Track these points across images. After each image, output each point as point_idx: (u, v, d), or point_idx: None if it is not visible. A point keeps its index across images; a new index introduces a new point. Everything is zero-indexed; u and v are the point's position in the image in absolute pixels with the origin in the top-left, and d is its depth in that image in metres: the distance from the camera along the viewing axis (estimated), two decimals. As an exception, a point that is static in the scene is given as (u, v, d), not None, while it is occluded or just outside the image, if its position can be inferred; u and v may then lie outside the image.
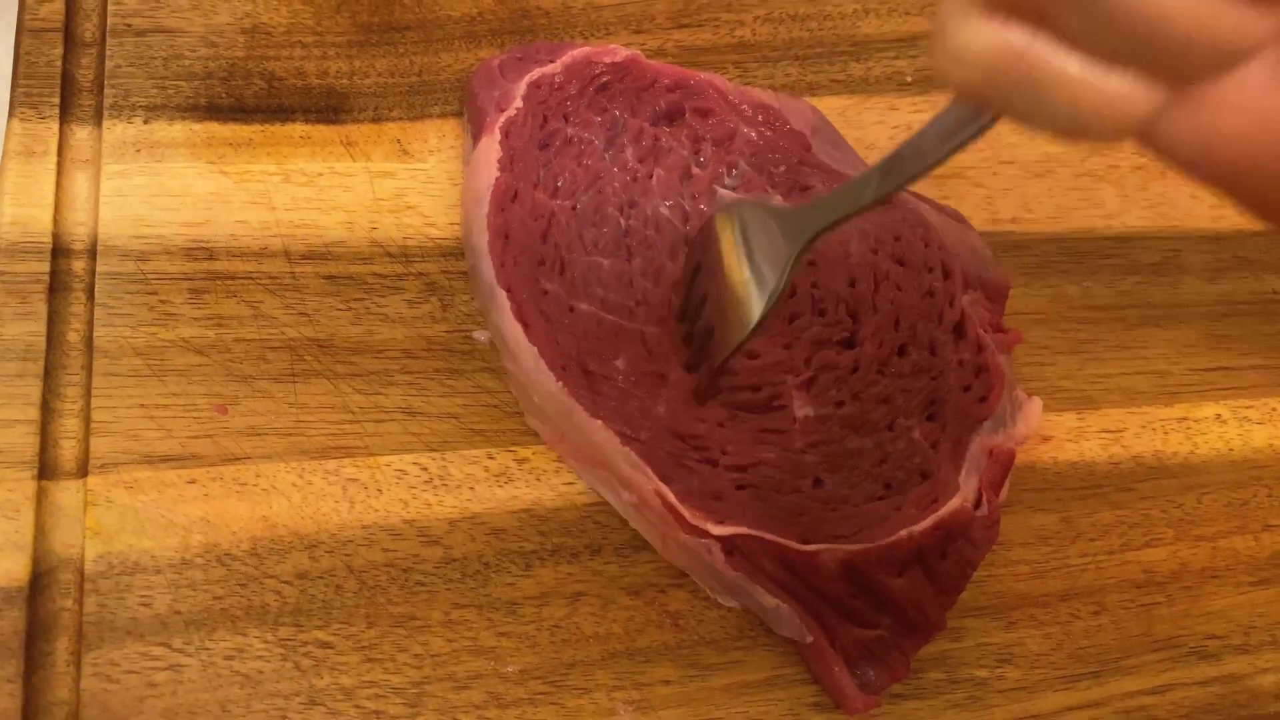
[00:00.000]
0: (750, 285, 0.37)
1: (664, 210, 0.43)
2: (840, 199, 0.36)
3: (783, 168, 0.45)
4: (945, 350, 0.42)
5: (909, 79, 0.51)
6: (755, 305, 0.37)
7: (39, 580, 0.37)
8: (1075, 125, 0.27)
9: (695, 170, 0.44)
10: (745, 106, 0.45)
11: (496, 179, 0.41)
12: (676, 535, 0.38)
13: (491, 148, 0.42)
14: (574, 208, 0.42)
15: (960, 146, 0.31)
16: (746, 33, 0.51)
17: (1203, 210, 0.51)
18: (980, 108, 0.29)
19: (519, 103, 0.43)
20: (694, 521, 0.37)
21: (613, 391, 0.40)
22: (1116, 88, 0.25)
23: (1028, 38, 0.25)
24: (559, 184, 0.43)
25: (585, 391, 0.39)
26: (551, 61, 0.45)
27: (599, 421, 0.38)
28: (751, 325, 0.37)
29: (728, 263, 0.38)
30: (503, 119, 0.43)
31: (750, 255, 0.38)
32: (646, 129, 0.44)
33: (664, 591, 0.40)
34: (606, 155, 0.43)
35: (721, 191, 0.44)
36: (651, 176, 0.43)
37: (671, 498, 0.37)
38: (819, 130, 0.46)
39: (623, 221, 0.42)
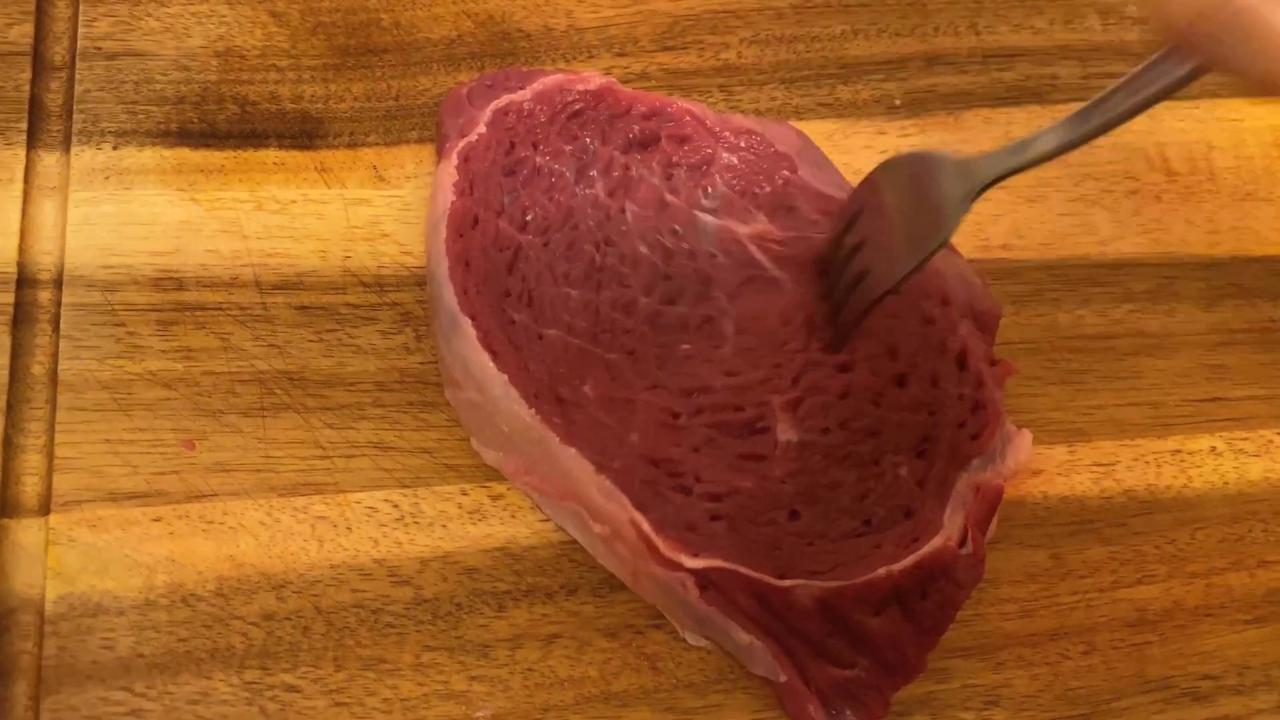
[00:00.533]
0: (915, 226, 0.38)
1: (643, 249, 0.42)
2: (1020, 148, 0.36)
3: (768, 189, 0.44)
4: (948, 383, 0.41)
5: (898, 102, 0.50)
6: (918, 244, 0.37)
7: (-2, 622, 0.36)
8: (1275, 75, 0.28)
9: (669, 198, 0.43)
10: (726, 133, 0.44)
11: (452, 204, 0.40)
12: (649, 569, 0.37)
13: (449, 173, 0.41)
14: (545, 244, 0.41)
15: (1151, 100, 0.33)
16: (732, 55, 0.50)
17: (1198, 236, 0.49)
18: (1178, 58, 0.31)
19: (482, 128, 0.42)
20: (668, 554, 0.36)
21: (585, 419, 0.39)
22: None
23: None
24: (528, 218, 0.42)
25: (558, 419, 0.38)
26: (522, 89, 0.44)
27: (573, 449, 0.37)
28: (916, 261, 0.37)
29: (893, 203, 0.39)
30: (462, 144, 0.42)
31: (919, 198, 0.38)
32: (617, 158, 0.43)
33: (641, 633, 0.39)
34: (577, 189, 0.42)
35: (702, 217, 0.43)
36: (625, 210, 0.42)
37: (646, 527, 0.36)
38: (804, 153, 0.45)
39: (598, 258, 0.42)
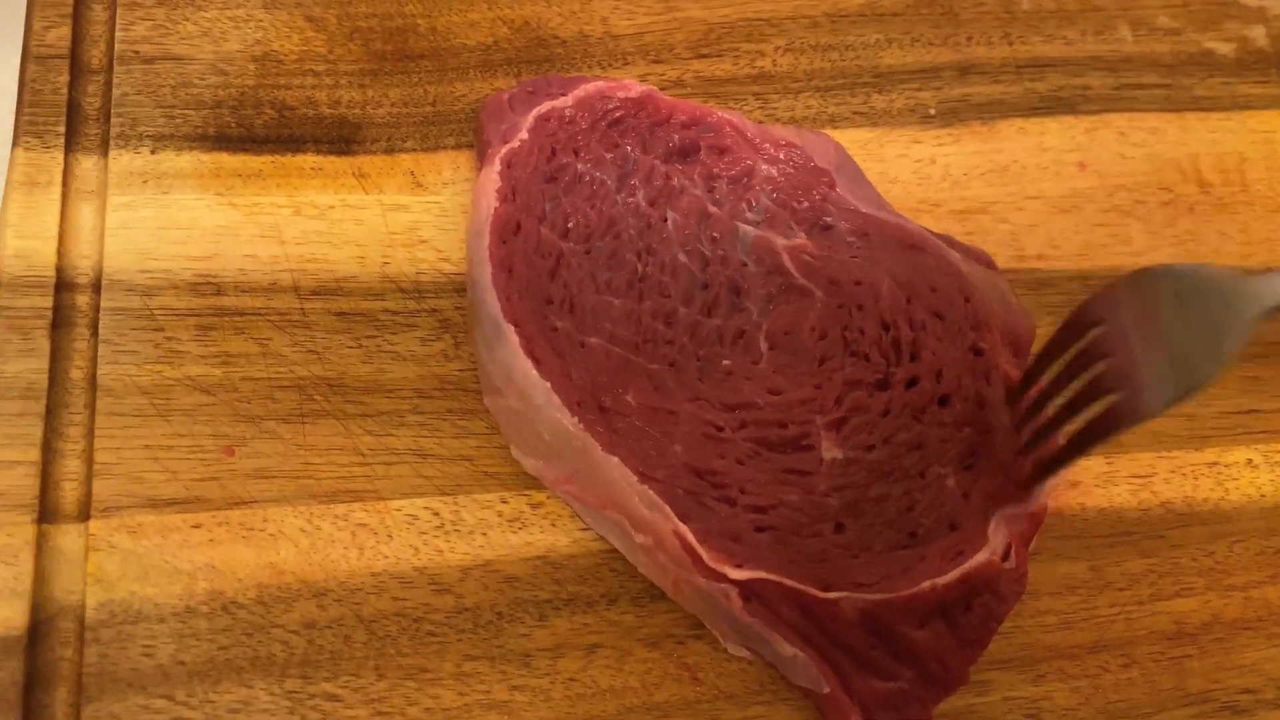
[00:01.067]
0: (1182, 351, 0.34)
1: (682, 258, 0.42)
2: None
3: (805, 204, 0.44)
4: (995, 408, 0.40)
5: (932, 111, 0.50)
6: (1186, 372, 0.33)
7: (38, 629, 0.35)
8: None
9: (712, 209, 0.43)
10: (766, 144, 0.44)
11: (495, 209, 0.40)
12: (693, 579, 0.37)
13: (491, 178, 0.41)
14: (587, 251, 0.41)
15: None
16: (767, 63, 0.50)
17: (1232, 247, 0.49)
18: None
19: (524, 134, 0.42)
20: (712, 564, 0.36)
21: (628, 429, 0.39)
22: None
23: None
24: (570, 225, 0.42)
25: (601, 428, 0.38)
26: (563, 95, 0.44)
27: (616, 458, 0.37)
28: (1183, 392, 0.33)
29: (1148, 323, 0.34)
30: (505, 150, 0.42)
31: (1187, 319, 0.34)
32: (658, 167, 0.43)
33: (682, 643, 0.38)
34: (619, 197, 0.42)
35: (743, 228, 0.43)
36: (666, 220, 0.42)
37: (690, 538, 0.36)
38: (842, 167, 0.45)
39: (640, 267, 0.42)
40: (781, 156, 0.44)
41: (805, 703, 0.38)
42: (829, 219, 0.44)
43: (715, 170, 0.44)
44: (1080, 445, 0.36)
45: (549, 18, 0.49)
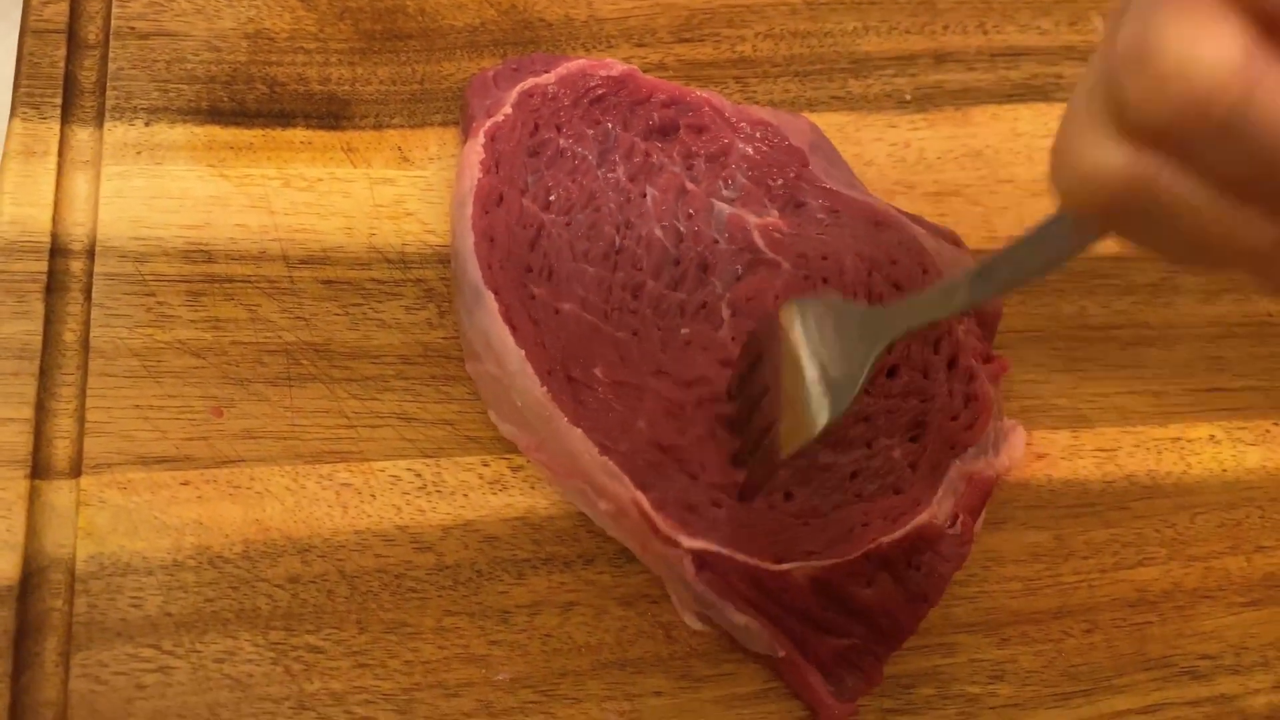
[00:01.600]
0: (819, 385, 0.36)
1: (657, 232, 0.43)
2: (927, 303, 0.35)
3: (780, 181, 0.45)
4: (938, 376, 0.42)
5: (908, 97, 0.51)
6: (824, 405, 0.36)
7: (29, 579, 0.36)
8: (1194, 253, 0.26)
9: (690, 186, 0.44)
10: (743, 124, 0.45)
11: (479, 180, 0.41)
12: (652, 544, 0.38)
13: (475, 151, 0.42)
14: (568, 223, 0.42)
15: (1060, 263, 0.30)
16: (747, 48, 0.51)
17: (1198, 232, 0.51)
18: (1090, 225, 0.28)
19: (508, 109, 0.43)
20: (667, 531, 0.37)
21: (594, 401, 0.40)
22: (1245, 222, 0.24)
23: (1160, 165, 0.24)
24: (551, 198, 0.43)
25: (568, 399, 0.39)
26: (546, 72, 0.45)
27: (579, 430, 0.38)
28: (820, 426, 0.36)
29: (795, 358, 0.37)
30: (489, 124, 0.43)
31: (820, 352, 0.36)
32: (638, 144, 0.44)
33: (656, 602, 0.39)
34: (599, 172, 0.43)
35: (718, 205, 0.44)
36: (645, 195, 0.43)
37: (647, 506, 0.37)
38: (817, 147, 0.47)
39: (618, 240, 0.43)
40: (758, 136, 0.45)
41: (776, 660, 0.39)
42: (802, 197, 0.45)
43: (693, 148, 0.45)
44: (756, 470, 0.39)
45: (535, 1, 0.50)
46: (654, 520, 0.37)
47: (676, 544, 0.37)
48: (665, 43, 0.50)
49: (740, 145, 0.45)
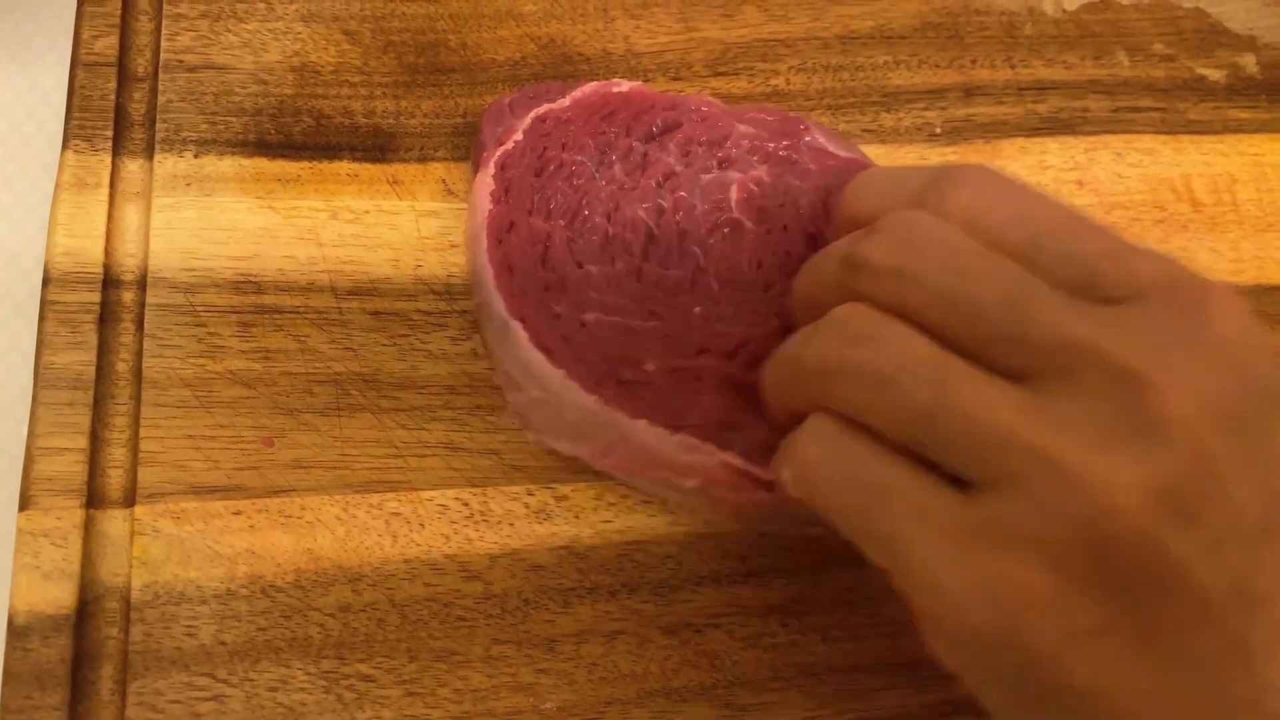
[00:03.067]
0: None
1: (640, 213, 0.43)
2: None
3: (771, 145, 0.45)
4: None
5: (938, 130, 0.52)
6: None
7: (85, 608, 0.37)
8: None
9: (679, 169, 0.44)
10: (749, 113, 0.46)
11: (490, 211, 0.42)
12: (748, 500, 0.39)
13: (485, 182, 0.42)
14: (566, 226, 0.42)
15: None
16: (781, 82, 0.52)
17: (1223, 264, 0.52)
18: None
19: (519, 136, 0.44)
20: (763, 475, 0.38)
21: (651, 393, 0.40)
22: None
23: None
24: (551, 206, 0.43)
25: (625, 399, 0.39)
26: (562, 98, 0.45)
27: (643, 421, 0.39)
28: None
29: None
30: (500, 152, 0.43)
31: None
32: (636, 146, 0.44)
33: (700, 631, 0.40)
34: (597, 173, 0.44)
35: (703, 176, 0.44)
36: (636, 186, 0.44)
37: (737, 461, 0.38)
38: (819, 126, 0.47)
39: (609, 229, 0.43)
40: (761, 115, 0.46)
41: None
42: (794, 156, 0.45)
43: (694, 136, 0.45)
44: None
45: (574, 35, 0.51)
46: (751, 472, 0.38)
47: (774, 485, 0.38)
48: (701, 76, 0.51)
49: (742, 126, 0.45)
